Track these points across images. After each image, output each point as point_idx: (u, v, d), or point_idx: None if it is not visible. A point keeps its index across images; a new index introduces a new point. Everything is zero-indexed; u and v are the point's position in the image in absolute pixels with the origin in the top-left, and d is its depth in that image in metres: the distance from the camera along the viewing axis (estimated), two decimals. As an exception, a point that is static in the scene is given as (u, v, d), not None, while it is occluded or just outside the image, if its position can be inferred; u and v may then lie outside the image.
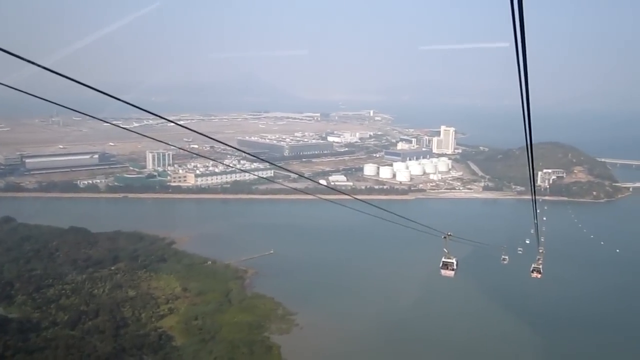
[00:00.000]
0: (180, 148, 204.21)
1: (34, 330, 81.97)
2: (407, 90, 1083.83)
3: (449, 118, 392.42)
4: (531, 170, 18.55)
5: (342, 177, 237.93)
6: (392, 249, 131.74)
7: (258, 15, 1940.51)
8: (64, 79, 11.32)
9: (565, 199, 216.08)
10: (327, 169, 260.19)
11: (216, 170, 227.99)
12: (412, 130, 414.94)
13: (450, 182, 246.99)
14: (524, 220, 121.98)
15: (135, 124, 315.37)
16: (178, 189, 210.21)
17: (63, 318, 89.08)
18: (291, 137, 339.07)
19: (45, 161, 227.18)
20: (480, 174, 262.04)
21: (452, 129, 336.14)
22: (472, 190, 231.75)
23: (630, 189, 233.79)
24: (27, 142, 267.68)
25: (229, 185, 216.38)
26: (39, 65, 10.88)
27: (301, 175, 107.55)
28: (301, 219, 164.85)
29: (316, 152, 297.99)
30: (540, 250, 54.48)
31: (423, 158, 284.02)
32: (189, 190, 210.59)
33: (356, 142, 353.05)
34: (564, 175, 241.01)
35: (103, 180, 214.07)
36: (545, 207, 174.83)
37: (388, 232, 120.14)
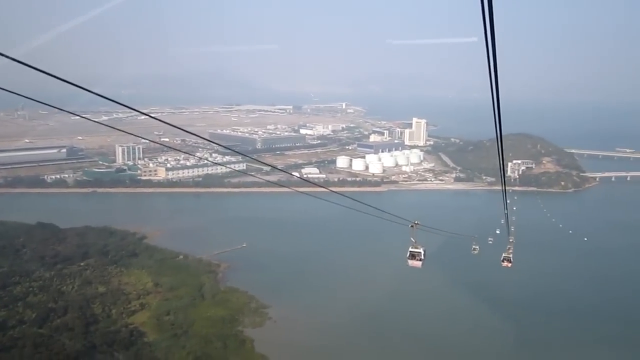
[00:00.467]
0: (155, 142, 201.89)
1: (0, 330, 79.92)
2: (378, 82, 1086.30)
3: (421, 110, 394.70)
4: (501, 162, 18.57)
5: (314, 170, 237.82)
6: (365, 241, 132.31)
7: (228, 8, 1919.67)
8: (29, 72, 10.74)
9: (535, 189, 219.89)
10: (300, 161, 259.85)
11: (187, 163, 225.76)
12: (385, 122, 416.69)
13: (422, 173, 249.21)
14: (494, 210, 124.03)
15: (105, 117, 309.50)
16: (149, 183, 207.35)
17: (30, 316, 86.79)
18: (263, 130, 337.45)
19: (11, 156, 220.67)
20: (452, 165, 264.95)
21: (423, 121, 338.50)
22: (444, 182, 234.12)
23: (597, 179, 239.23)
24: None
25: (200, 179, 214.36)
26: (5, 56, 10.28)
27: (274, 167, 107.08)
28: (274, 212, 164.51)
29: (289, 145, 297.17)
30: (511, 240, 54.97)
31: (395, 150, 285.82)
32: (160, 184, 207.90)
33: (329, 134, 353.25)
34: (533, 166, 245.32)
35: (71, 175, 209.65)
36: (515, 198, 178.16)
37: (361, 224, 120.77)
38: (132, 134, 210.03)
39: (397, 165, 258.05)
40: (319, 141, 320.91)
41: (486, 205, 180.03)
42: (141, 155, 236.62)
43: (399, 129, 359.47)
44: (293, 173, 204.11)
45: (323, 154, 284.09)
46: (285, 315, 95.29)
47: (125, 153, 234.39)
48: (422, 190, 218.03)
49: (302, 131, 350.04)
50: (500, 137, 13.66)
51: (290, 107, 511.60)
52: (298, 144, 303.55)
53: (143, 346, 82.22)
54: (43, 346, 74.70)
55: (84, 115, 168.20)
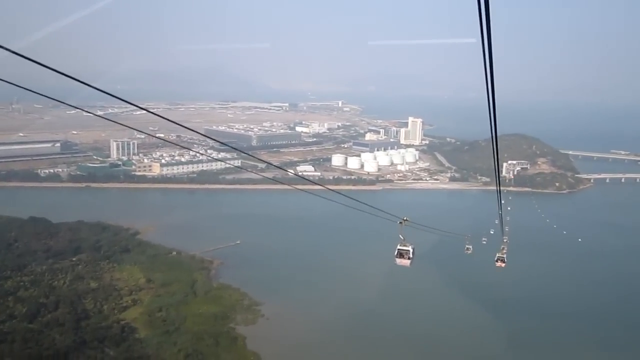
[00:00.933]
0: (155, 136, 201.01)
1: (-11, 324, 79.42)
2: (374, 81, 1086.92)
3: (417, 109, 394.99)
4: (496, 162, 18.54)
5: (310, 168, 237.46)
6: (359, 239, 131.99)
7: (225, 6, 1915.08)
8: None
9: (529, 189, 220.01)
10: (295, 159, 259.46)
11: (182, 159, 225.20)
12: (380, 121, 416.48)
13: (418, 172, 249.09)
14: (488, 210, 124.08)
15: (100, 112, 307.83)
16: (143, 179, 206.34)
17: (21, 311, 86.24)
18: (259, 127, 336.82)
19: (5, 149, 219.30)
20: (447, 164, 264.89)
21: (419, 120, 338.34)
22: (439, 181, 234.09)
23: (592, 180, 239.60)
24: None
25: (195, 175, 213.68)
26: (5, 48, 10.03)
27: (270, 164, 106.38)
28: (268, 209, 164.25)
29: (284, 142, 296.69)
30: (505, 240, 54.74)
31: (391, 149, 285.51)
32: (155, 179, 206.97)
33: (324, 132, 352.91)
34: (528, 166, 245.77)
35: (65, 170, 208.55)
36: (510, 198, 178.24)
37: (356, 222, 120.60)
38: (134, 129, 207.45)
39: (392, 164, 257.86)
40: (314, 139, 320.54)
41: (481, 205, 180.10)
42: (136, 151, 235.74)
43: (394, 128, 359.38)
44: (288, 170, 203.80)
45: (318, 152, 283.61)
46: (278, 313, 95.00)
47: (120, 148, 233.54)
48: (417, 190, 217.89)
49: (298, 129, 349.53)
50: (495, 138, 13.52)
51: (287, 104, 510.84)
52: (293, 142, 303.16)
53: (134, 342, 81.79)
54: (33, 341, 74.27)
55: (84, 109, 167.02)
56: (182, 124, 19.90)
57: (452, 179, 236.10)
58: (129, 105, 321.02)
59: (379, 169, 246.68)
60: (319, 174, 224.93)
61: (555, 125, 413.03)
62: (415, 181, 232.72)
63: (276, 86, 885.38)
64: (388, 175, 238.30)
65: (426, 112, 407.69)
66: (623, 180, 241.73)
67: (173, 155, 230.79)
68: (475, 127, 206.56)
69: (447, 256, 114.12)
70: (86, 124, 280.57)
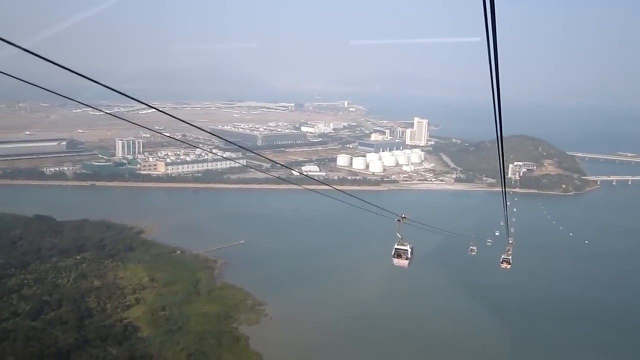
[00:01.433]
0: (162, 134, 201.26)
1: (-7, 321, 79.43)
2: (380, 81, 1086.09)
3: (422, 110, 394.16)
4: (501, 163, 18.25)
5: (315, 168, 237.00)
6: (363, 239, 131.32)
7: (231, 5, 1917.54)
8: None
9: (535, 191, 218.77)
10: (300, 159, 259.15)
11: (187, 159, 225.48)
12: (386, 121, 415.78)
13: (423, 173, 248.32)
14: (494, 212, 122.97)
15: (105, 111, 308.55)
16: (148, 178, 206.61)
17: (25, 308, 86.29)
18: (264, 127, 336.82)
19: (11, 147, 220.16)
20: (452, 165, 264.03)
21: (425, 121, 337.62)
22: (444, 182, 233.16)
23: (598, 182, 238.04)
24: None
25: (200, 174, 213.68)
26: (16, 46, 9.94)
27: (275, 163, 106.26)
28: (273, 209, 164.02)
29: (289, 142, 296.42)
30: (510, 241, 54.18)
31: (396, 149, 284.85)
32: (159, 178, 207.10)
33: (330, 132, 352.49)
34: (534, 168, 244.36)
35: (70, 168, 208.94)
36: (516, 199, 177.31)
37: (360, 222, 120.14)
38: (144, 127, 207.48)
39: (397, 164, 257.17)
40: (319, 139, 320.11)
41: (486, 207, 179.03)
42: (141, 150, 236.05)
43: (400, 129, 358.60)
44: (294, 170, 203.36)
45: (323, 152, 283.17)
46: (281, 313, 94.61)
47: (125, 147, 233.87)
48: (422, 190, 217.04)
49: (303, 129, 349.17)
50: (500, 139, 13.55)
51: (292, 104, 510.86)
52: (299, 142, 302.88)
53: (137, 341, 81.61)
54: (35, 339, 74.19)
55: (95, 107, 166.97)
56: (187, 123, 19.59)
57: (458, 180, 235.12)
58: (134, 105, 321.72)
59: (384, 170, 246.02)
60: (323, 174, 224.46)
61: (561, 127, 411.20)
62: (421, 182, 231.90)
63: (282, 86, 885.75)
64: (393, 176, 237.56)
65: (432, 112, 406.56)
66: (630, 182, 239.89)
67: (178, 155, 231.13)
68: (481, 128, 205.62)
69: (451, 257, 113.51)
70: (92, 123, 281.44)
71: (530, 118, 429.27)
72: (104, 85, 12.67)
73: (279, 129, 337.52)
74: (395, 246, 29.01)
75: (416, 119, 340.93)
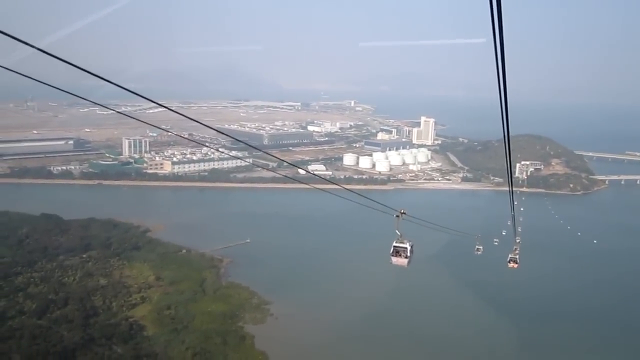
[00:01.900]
0: (171, 132, 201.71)
1: (-1, 320, 79.58)
2: (387, 81, 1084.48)
3: (429, 109, 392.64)
4: (508, 162, 18.13)
5: (321, 167, 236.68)
6: (369, 238, 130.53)
7: (235, 6, 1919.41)
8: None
9: (543, 190, 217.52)
10: (307, 158, 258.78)
11: (194, 158, 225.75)
12: (393, 120, 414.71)
13: (430, 172, 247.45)
14: (501, 211, 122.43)
15: (115, 110, 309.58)
16: (154, 177, 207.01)
17: (31, 307, 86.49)
18: (271, 126, 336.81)
19: (18, 146, 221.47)
20: (459, 165, 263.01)
21: (431, 120, 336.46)
22: (451, 181, 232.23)
23: (606, 182, 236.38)
24: (0, 127, 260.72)
25: (206, 173, 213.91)
26: (34, 46, 10.22)
27: (282, 161, 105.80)
28: (279, 208, 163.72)
29: (296, 142, 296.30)
30: (517, 241, 53.86)
31: (403, 148, 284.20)
32: (166, 177, 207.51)
33: (336, 131, 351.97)
34: (542, 167, 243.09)
35: (77, 167, 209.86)
36: (523, 199, 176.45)
37: (366, 221, 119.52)
38: (153, 125, 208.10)
39: (404, 163, 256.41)
40: (326, 138, 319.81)
41: (493, 206, 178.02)
42: (147, 149, 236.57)
43: (407, 128, 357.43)
44: (300, 167, 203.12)
45: (330, 151, 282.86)
46: (287, 312, 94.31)
47: (132, 146, 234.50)
48: (429, 190, 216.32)
49: (310, 128, 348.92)
50: (507, 138, 13.58)
51: (299, 104, 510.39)
52: (305, 141, 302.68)
53: (142, 340, 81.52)
54: (41, 337, 74.19)
55: (107, 107, 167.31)
56: (197, 121, 19.33)
57: (465, 179, 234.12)
58: (141, 104, 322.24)
59: (391, 169, 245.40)
60: (330, 173, 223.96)
61: (569, 126, 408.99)
62: (427, 181, 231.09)
63: (289, 86, 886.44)
64: (400, 175, 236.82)
65: (439, 111, 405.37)
66: (639, 182, 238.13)
67: (185, 154, 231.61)
68: (488, 126, 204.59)
69: (457, 257, 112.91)
70: (99, 122, 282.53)
71: (538, 117, 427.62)
72: (115, 84, 12.81)
73: (285, 128, 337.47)
74: (394, 244, 27.13)
75: (423, 118, 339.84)
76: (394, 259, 27.30)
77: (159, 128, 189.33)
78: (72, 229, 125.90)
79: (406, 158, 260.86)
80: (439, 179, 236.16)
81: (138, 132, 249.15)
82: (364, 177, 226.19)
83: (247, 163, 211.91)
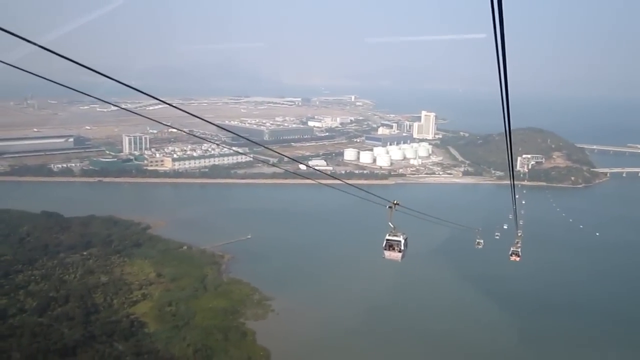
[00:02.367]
0: (172, 127, 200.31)
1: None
2: (387, 75, 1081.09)
3: (430, 104, 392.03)
4: (510, 156, 18.13)
5: (322, 162, 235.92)
6: (371, 233, 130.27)
7: (236, 3, 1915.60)
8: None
9: (544, 184, 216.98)
10: (307, 153, 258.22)
11: (194, 154, 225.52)
12: (393, 115, 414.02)
13: (431, 167, 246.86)
14: (502, 205, 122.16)
15: (113, 108, 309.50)
16: (155, 173, 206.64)
17: (31, 304, 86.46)
18: (271, 122, 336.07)
19: (18, 144, 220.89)
20: (460, 159, 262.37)
21: (432, 115, 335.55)
22: (452, 175, 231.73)
23: (608, 175, 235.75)
24: (0, 125, 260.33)
25: (207, 170, 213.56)
26: (36, 44, 10.36)
27: (283, 155, 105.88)
28: (280, 204, 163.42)
29: (296, 137, 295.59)
30: (519, 234, 53.45)
31: (403, 143, 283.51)
32: (166, 174, 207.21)
33: (337, 127, 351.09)
34: (543, 160, 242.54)
35: (78, 164, 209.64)
36: (525, 192, 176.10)
37: (369, 216, 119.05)
38: (156, 121, 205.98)
39: (405, 158, 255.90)
40: (326, 133, 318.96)
41: (494, 200, 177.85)
42: (148, 146, 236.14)
43: (407, 122, 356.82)
44: (301, 163, 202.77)
45: (330, 147, 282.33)
46: (288, 308, 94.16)
47: (132, 143, 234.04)
48: (430, 184, 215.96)
49: (310, 123, 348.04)
50: (509, 131, 13.44)
51: (299, 99, 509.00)
52: (306, 136, 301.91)
53: (143, 337, 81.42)
54: (41, 335, 74.03)
55: (111, 103, 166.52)
56: (197, 117, 19.10)
57: (466, 173, 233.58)
58: (142, 101, 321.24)
59: (392, 163, 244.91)
60: (330, 168, 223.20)
61: (570, 119, 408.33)
62: (428, 175, 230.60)
63: (289, 81, 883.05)
64: (400, 170, 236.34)
65: (440, 106, 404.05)
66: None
67: (185, 150, 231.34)
68: (489, 120, 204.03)
69: (459, 251, 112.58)
70: (99, 120, 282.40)
71: (539, 110, 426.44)
72: (115, 80, 12.79)
73: (285, 124, 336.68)
74: (387, 237, 25.44)
75: (423, 113, 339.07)
76: (387, 253, 25.61)
77: (160, 123, 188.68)
78: (73, 227, 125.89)
79: (407, 152, 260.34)
80: (440, 173, 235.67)
81: (138, 129, 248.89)
82: (365, 172, 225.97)
83: (247, 159, 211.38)
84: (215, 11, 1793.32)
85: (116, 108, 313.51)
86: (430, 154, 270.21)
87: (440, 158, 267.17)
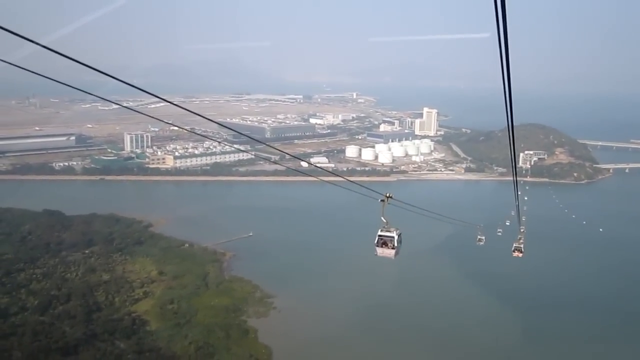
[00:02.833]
0: (174, 125, 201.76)
1: (1, 317, 79.33)
2: (389, 72, 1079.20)
3: (432, 100, 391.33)
4: (512, 152, 18.21)
5: (323, 159, 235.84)
6: (372, 230, 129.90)
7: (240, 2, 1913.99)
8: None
9: (547, 180, 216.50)
10: (309, 150, 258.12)
11: (196, 152, 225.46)
12: (395, 112, 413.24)
13: (432, 163, 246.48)
14: (504, 201, 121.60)
15: (115, 106, 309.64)
16: (156, 171, 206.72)
17: (33, 303, 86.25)
18: (273, 119, 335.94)
19: (20, 143, 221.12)
20: (462, 155, 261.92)
21: (434, 111, 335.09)
22: (454, 172, 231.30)
23: (611, 170, 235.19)
24: (2, 124, 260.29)
25: (208, 167, 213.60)
26: (38, 43, 10.31)
27: (284, 153, 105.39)
28: (281, 201, 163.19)
29: (298, 134, 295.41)
30: (522, 230, 53.18)
31: (405, 140, 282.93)
32: (168, 172, 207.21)
33: (338, 124, 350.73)
34: (545, 156, 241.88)
35: (79, 163, 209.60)
36: (527, 188, 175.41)
37: (372, 213, 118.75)
38: (157, 119, 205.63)
39: (407, 155, 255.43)
40: (328, 130, 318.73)
41: (496, 196, 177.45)
42: (149, 144, 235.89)
43: (409, 119, 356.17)
44: (303, 160, 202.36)
45: (332, 144, 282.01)
46: (290, 305, 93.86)
47: (134, 141, 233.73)
48: (432, 181, 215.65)
49: (312, 120, 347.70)
50: (511, 128, 13.28)
51: (301, 96, 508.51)
52: (307, 133, 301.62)
53: (145, 335, 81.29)
54: (43, 334, 73.92)
55: (109, 100, 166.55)
56: (198, 115, 18.89)
57: (468, 170, 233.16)
58: (143, 99, 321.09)
59: (394, 160, 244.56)
60: (332, 165, 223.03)
61: (573, 115, 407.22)
62: (430, 172, 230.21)
63: (290, 78, 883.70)
64: (402, 167, 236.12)
65: (441, 102, 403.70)
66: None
67: (186, 148, 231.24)
68: (491, 117, 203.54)
69: (461, 248, 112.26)
70: (100, 118, 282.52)
71: (541, 106, 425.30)
72: (116, 79, 12.73)
73: (287, 121, 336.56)
74: (379, 233, 23.69)
75: (425, 109, 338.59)
76: (379, 250, 23.72)
77: (161, 121, 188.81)
78: (75, 225, 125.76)
79: (409, 149, 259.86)
80: (442, 169, 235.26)
81: (140, 127, 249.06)
82: (367, 168, 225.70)
83: (249, 156, 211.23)
84: (220, 11, 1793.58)
85: (118, 106, 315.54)
86: (432, 151, 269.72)
87: (442, 155, 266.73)
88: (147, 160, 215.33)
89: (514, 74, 10.10)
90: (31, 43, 10.09)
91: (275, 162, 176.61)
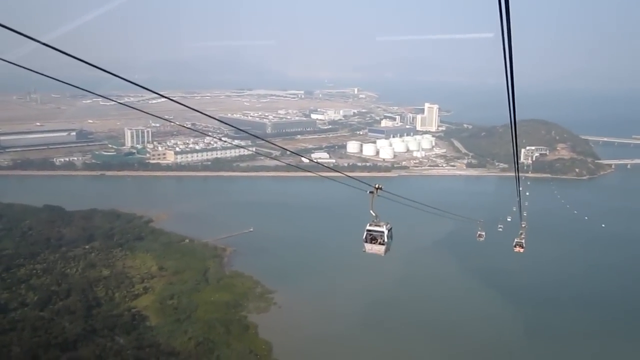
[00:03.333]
0: (175, 122, 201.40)
1: (0, 312, 79.20)
2: (391, 67, 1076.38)
3: (433, 96, 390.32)
4: (514, 148, 18.08)
5: (324, 155, 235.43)
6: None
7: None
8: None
9: (548, 175, 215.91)
10: (310, 146, 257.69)
11: (196, 147, 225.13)
12: (396, 107, 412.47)
13: (434, 159, 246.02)
14: (506, 197, 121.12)
15: (118, 101, 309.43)
16: (157, 167, 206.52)
17: (33, 298, 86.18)
18: (274, 115, 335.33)
19: (21, 138, 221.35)
20: (464, 151, 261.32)
21: (435, 107, 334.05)
22: (456, 167, 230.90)
23: (613, 166, 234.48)
24: (3, 119, 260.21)
25: (209, 163, 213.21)
26: (38, 41, 10.53)
27: (285, 149, 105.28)
28: (282, 196, 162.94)
29: (299, 130, 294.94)
30: (523, 225, 52.95)
31: (407, 135, 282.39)
32: (169, 167, 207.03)
33: (340, 119, 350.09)
34: (547, 152, 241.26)
35: (80, 158, 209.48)
36: (529, 184, 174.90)
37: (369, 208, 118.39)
38: (157, 116, 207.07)
39: (408, 150, 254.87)
40: (329, 126, 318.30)
41: (498, 192, 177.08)
42: (150, 139, 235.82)
43: (410, 115, 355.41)
44: (303, 157, 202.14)
45: (333, 139, 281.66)
46: (291, 301, 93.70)
47: (135, 137, 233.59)
48: (433, 176, 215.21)
49: (313, 116, 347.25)
50: (514, 123, 13.29)
51: (302, 92, 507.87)
52: (308, 129, 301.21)
53: (145, 330, 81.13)
54: (42, 329, 73.69)
55: (109, 97, 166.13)
56: (199, 112, 18.65)
57: (469, 165, 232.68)
58: (144, 95, 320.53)
59: (395, 156, 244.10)
60: (333, 160, 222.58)
61: (575, 111, 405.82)
62: (432, 167, 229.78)
63: (292, 74, 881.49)
64: (404, 162, 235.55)
65: (443, 98, 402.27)
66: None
67: (187, 143, 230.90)
68: (493, 112, 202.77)
69: (462, 244, 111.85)
70: (101, 114, 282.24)
71: (543, 101, 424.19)
72: (116, 75, 12.76)
73: (288, 117, 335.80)
74: (367, 227, 22.38)
75: (427, 105, 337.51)
76: (368, 247, 22.47)
77: (161, 118, 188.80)
78: (75, 220, 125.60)
79: (410, 145, 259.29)
80: (444, 165, 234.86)
81: (141, 122, 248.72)
82: (368, 164, 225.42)
83: (250, 152, 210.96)
84: (223, 7, 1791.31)
85: (120, 101, 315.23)
86: (433, 146, 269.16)
87: (444, 150, 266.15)
88: (147, 155, 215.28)
89: (516, 69, 10.12)
90: (31, 40, 10.14)
91: (275, 158, 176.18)
